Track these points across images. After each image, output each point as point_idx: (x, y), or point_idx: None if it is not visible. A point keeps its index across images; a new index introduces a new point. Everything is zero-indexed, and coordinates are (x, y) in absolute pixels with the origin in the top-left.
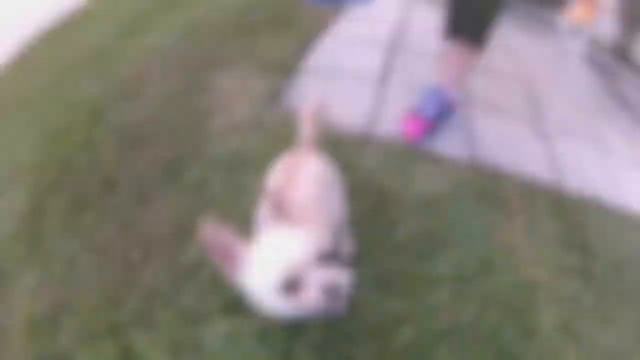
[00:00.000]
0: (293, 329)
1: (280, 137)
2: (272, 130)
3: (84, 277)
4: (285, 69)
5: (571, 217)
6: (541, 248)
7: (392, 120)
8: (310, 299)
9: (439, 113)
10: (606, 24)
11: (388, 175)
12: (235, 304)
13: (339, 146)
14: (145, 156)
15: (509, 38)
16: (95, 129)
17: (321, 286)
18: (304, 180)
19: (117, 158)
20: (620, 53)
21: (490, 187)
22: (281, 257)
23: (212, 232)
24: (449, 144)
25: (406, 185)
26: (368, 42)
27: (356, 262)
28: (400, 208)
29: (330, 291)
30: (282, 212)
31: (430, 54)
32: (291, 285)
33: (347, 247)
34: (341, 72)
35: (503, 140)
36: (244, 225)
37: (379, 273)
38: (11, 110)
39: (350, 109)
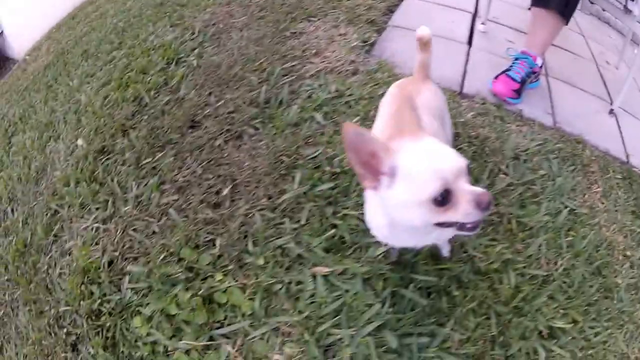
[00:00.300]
0: (400, 272)
1: (376, 80)
2: (368, 74)
3: (157, 218)
4: (374, 24)
5: None
6: (617, 214)
7: (481, 80)
8: (463, 212)
9: (526, 77)
10: None
11: (485, 127)
12: (337, 246)
13: None
14: (234, 97)
15: (583, 19)
16: (173, 71)
17: (474, 200)
18: (421, 103)
19: (201, 98)
20: None
21: (573, 152)
22: (437, 168)
23: (357, 132)
24: (534, 109)
25: (502, 138)
26: (452, 7)
27: None
28: (498, 157)
29: (482, 205)
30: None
31: (515, 22)
32: (444, 198)
33: None
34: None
35: (579, 114)
36: None
37: (486, 218)
38: (76, 59)
39: (441, 66)
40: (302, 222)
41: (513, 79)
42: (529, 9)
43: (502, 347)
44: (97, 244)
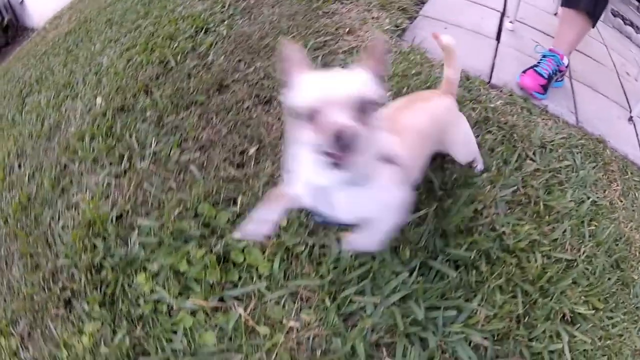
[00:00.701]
0: (431, 246)
1: (409, 61)
2: (401, 54)
3: (176, 174)
4: (405, 12)
5: None
6: (634, 213)
7: (509, 74)
8: (321, 136)
9: (553, 74)
10: None
11: (513, 115)
12: None
13: (468, 82)
14: (265, 65)
15: (606, 30)
16: (201, 39)
17: (334, 129)
18: (421, 109)
19: (230, 64)
20: None
21: (595, 150)
22: (317, 87)
23: (292, 48)
24: (559, 107)
25: (529, 127)
26: (481, 5)
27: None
28: (526, 144)
29: (338, 138)
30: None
31: (541, 25)
32: (311, 116)
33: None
34: (458, 25)
35: (600, 117)
36: None
37: (514, 198)
38: (99, 27)
39: (470, 57)
40: None
41: (540, 75)
42: (555, 14)
43: (526, 327)
44: (107, 197)
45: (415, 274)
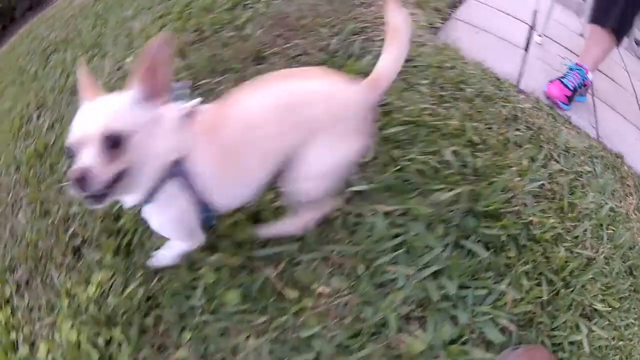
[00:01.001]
0: (463, 226)
1: (444, 55)
2: (436, 48)
3: None
4: (440, 12)
5: None
6: None
7: (536, 82)
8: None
9: (578, 87)
10: None
11: (540, 118)
12: (401, 187)
13: (499, 82)
14: (302, 43)
15: (629, 58)
16: (239, 13)
17: (72, 172)
18: (277, 91)
19: (268, 38)
20: None
21: (614, 164)
22: (76, 124)
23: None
24: (581, 119)
25: (554, 131)
26: (512, 16)
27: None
28: (551, 146)
29: (75, 179)
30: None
31: (568, 43)
32: (69, 154)
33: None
34: (488, 31)
35: (619, 135)
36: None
37: (540, 192)
38: None
39: (500, 63)
40: (367, 159)
41: (566, 86)
42: (581, 35)
43: (549, 316)
44: None
45: (448, 249)
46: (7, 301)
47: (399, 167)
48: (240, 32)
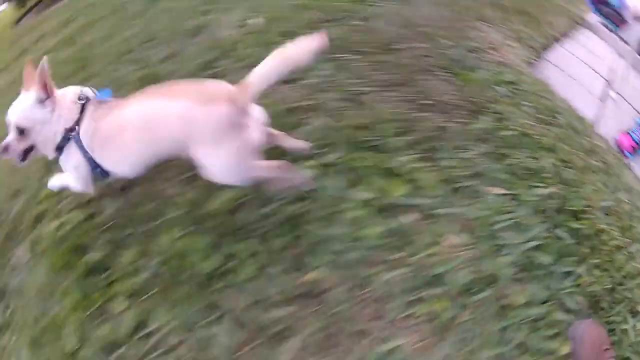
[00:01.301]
0: (554, 216)
1: (539, 86)
2: (533, 79)
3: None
4: (534, 50)
5: None
6: None
7: (608, 130)
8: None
9: None
10: None
11: (610, 157)
12: (509, 177)
13: (581, 120)
14: (424, 46)
15: None
16: (361, 8)
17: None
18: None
19: (392, 33)
20: None
21: None
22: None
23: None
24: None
25: (618, 169)
26: (593, 70)
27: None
28: (618, 181)
29: (2, 148)
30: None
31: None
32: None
33: None
34: (571, 77)
35: None
36: None
37: (610, 209)
38: None
39: (582, 106)
40: (484, 150)
41: (634, 139)
42: None
43: (610, 303)
44: None
45: (544, 232)
46: None
47: (508, 162)
48: (365, 23)
